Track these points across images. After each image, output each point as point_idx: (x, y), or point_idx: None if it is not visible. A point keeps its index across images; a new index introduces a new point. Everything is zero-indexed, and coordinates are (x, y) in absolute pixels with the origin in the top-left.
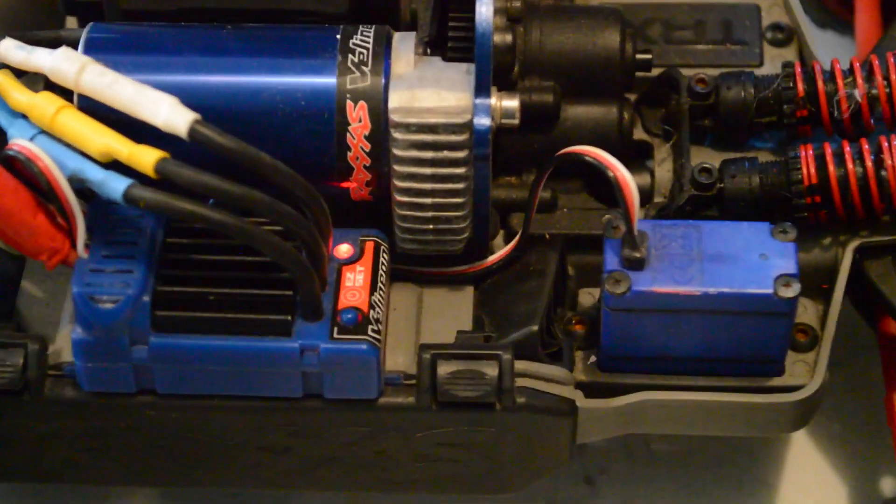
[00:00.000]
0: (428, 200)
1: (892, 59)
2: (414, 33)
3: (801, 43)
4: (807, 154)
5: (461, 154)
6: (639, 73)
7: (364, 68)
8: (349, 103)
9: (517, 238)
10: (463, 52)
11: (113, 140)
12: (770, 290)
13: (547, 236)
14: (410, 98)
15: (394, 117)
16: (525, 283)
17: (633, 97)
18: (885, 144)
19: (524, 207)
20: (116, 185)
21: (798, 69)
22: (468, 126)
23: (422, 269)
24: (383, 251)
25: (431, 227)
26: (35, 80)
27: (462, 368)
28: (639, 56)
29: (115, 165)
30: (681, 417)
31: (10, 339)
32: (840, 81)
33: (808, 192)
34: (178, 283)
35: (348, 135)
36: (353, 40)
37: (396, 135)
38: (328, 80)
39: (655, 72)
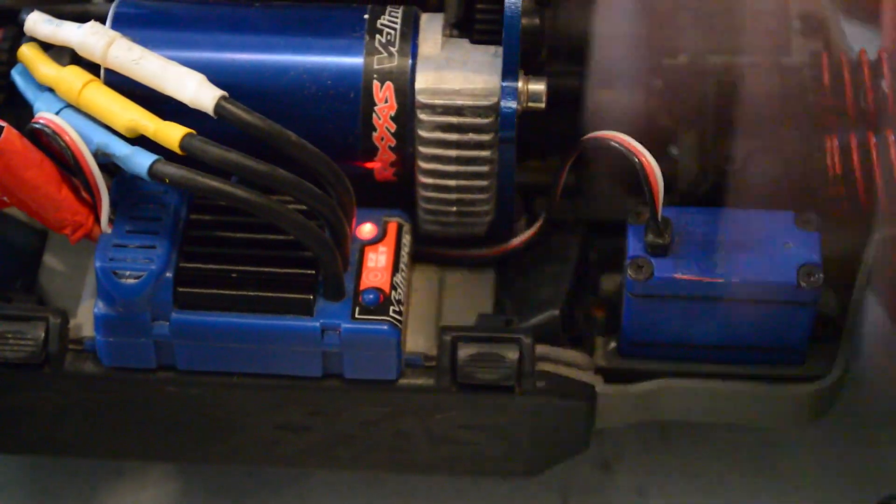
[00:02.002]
0: (452, 182)
1: None
2: (441, 15)
3: (828, 33)
4: (832, 145)
5: (487, 137)
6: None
7: (391, 49)
8: (376, 83)
9: (540, 222)
10: (490, 34)
11: (139, 115)
12: (793, 280)
13: (570, 221)
14: (437, 79)
15: (420, 98)
16: (547, 267)
17: (659, 83)
18: None
19: (548, 191)
20: (142, 161)
21: (825, 59)
22: (494, 109)
23: (444, 251)
24: (406, 232)
25: (455, 209)
26: (62, 54)
27: (482, 351)
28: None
29: (140, 141)
30: (700, 405)
31: (32, 313)
32: (867, 72)
33: (833, 183)
34: (201, 259)
35: (374, 115)
36: (381, 21)
37: (422, 116)
38: (355, 60)
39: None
